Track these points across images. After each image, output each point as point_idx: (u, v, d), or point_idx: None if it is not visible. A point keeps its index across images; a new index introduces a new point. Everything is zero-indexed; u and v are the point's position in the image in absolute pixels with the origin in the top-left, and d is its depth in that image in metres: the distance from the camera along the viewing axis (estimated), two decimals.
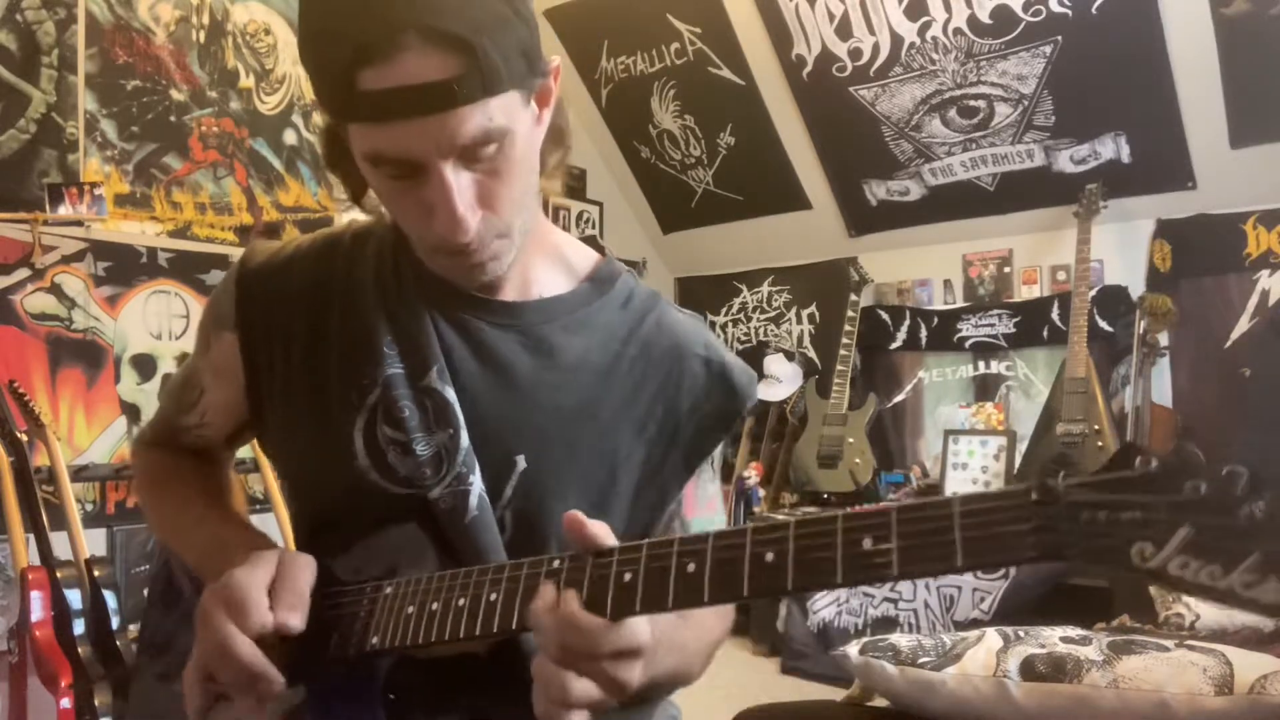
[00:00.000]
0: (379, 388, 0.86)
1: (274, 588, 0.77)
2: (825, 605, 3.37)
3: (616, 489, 0.88)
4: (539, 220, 0.91)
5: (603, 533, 0.70)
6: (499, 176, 0.77)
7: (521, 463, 0.85)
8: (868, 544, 0.59)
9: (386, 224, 0.94)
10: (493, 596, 0.72)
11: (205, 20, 3.24)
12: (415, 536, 0.83)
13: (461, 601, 0.73)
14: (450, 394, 0.85)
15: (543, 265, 0.92)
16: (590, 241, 1.00)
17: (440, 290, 0.88)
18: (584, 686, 0.66)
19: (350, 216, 0.98)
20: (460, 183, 0.74)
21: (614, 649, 0.66)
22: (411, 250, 0.89)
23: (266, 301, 0.91)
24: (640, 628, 0.67)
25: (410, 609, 0.76)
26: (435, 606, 0.75)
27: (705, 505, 0.96)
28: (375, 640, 0.77)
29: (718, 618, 0.92)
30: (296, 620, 0.76)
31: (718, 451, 0.96)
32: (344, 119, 0.75)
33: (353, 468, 0.85)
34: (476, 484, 0.83)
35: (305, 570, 0.79)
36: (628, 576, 0.66)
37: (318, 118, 3.53)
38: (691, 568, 0.64)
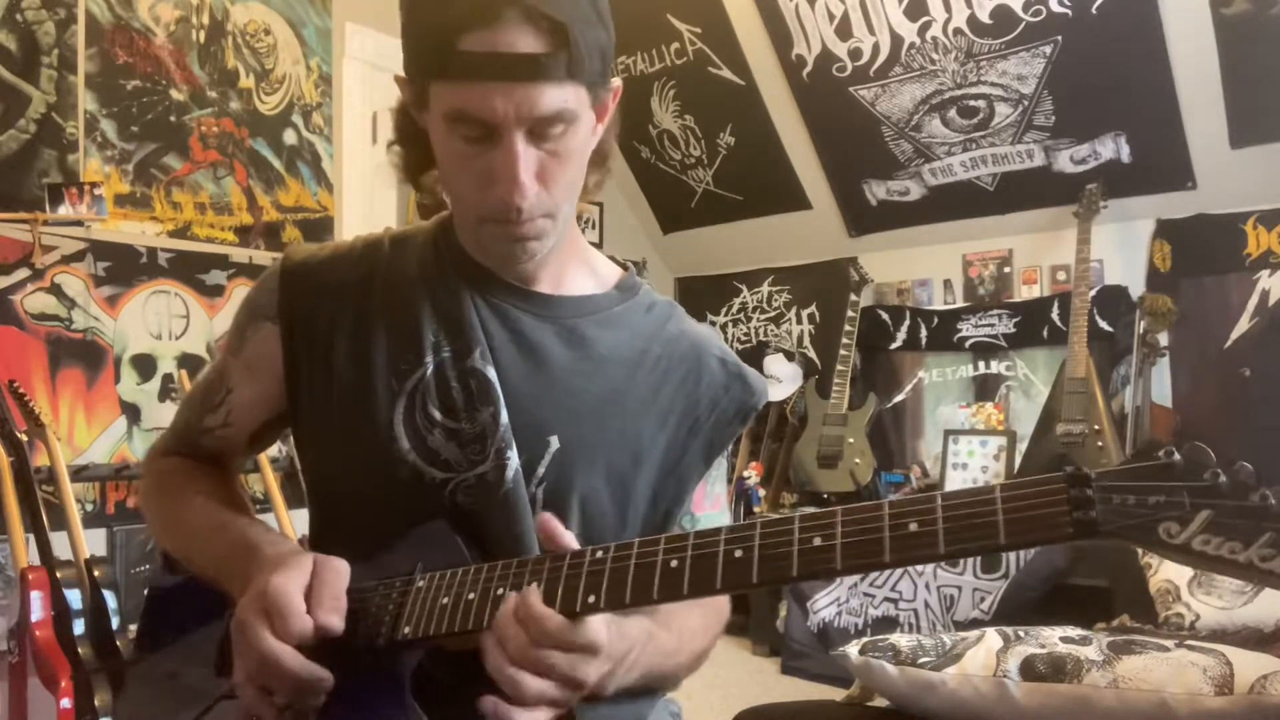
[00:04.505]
0: (423, 370, 0.90)
1: (310, 591, 0.78)
2: (825, 605, 3.37)
3: (639, 476, 0.93)
4: (574, 227, 0.97)
5: (570, 541, 0.76)
6: (559, 159, 0.83)
7: (555, 442, 0.89)
8: (914, 527, 0.63)
9: (426, 228, 0.99)
10: (532, 585, 0.74)
11: (205, 20, 3.24)
12: (442, 527, 0.85)
13: (500, 591, 0.75)
14: (491, 373, 0.89)
15: (574, 269, 0.98)
16: (612, 260, 1.07)
17: (481, 277, 0.93)
18: (540, 685, 0.71)
19: (354, 232, 1.01)
20: (526, 153, 0.81)
21: (570, 644, 0.71)
22: (454, 243, 0.95)
23: (310, 293, 0.95)
24: (597, 626, 0.72)
25: (445, 600, 0.78)
26: (471, 597, 0.76)
27: (712, 502, 1.00)
28: (407, 630, 0.78)
29: (703, 624, 0.94)
30: (336, 620, 0.78)
31: (729, 450, 1.01)
32: (438, 75, 0.81)
33: (392, 451, 0.88)
34: (514, 460, 0.87)
35: (340, 572, 0.81)
36: (674, 564, 0.69)
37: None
38: (739, 554, 0.68)
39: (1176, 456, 0.58)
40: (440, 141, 0.85)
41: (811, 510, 0.68)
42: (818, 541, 0.65)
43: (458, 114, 0.80)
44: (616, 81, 0.89)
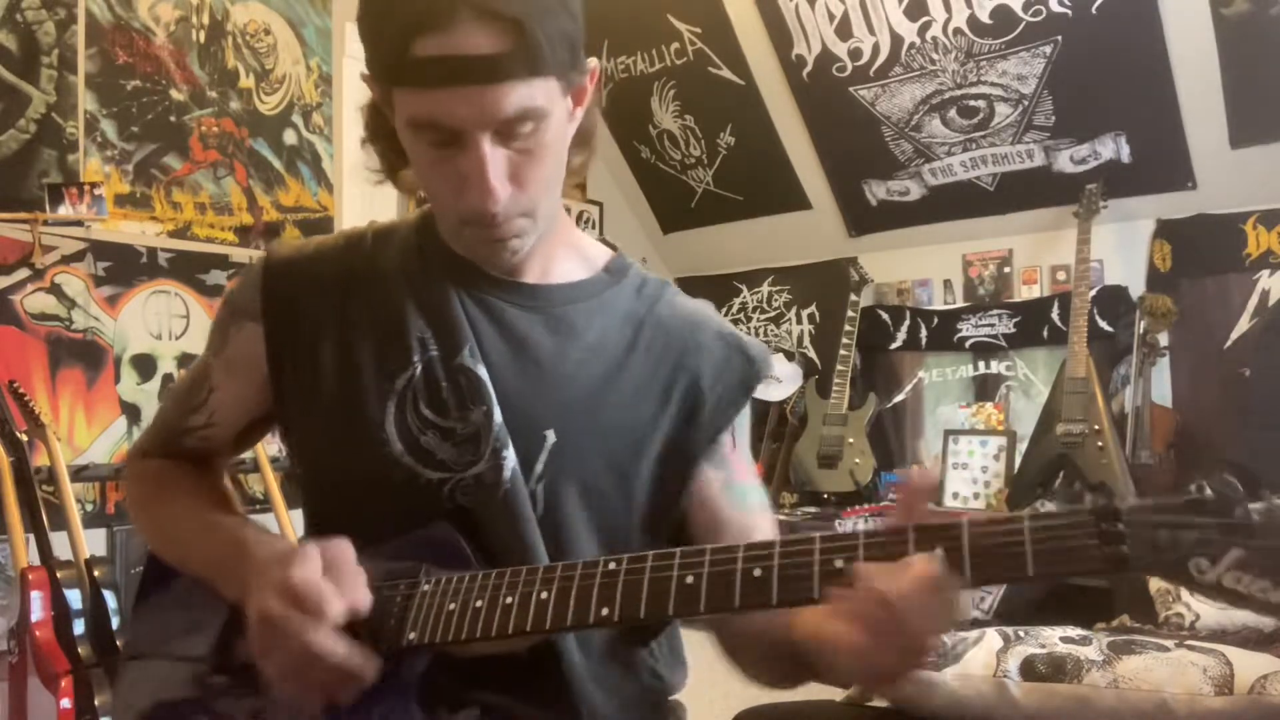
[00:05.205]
0: (412, 370, 0.88)
1: (329, 574, 0.76)
2: None
3: (642, 461, 0.90)
4: (560, 214, 0.94)
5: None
6: (531, 157, 0.81)
7: (551, 437, 0.87)
8: (940, 554, 0.61)
9: (409, 221, 0.97)
10: (544, 595, 0.73)
11: (205, 20, 3.24)
12: (443, 528, 0.83)
13: (509, 599, 0.74)
14: (482, 371, 0.87)
15: (562, 255, 0.96)
16: (603, 242, 1.04)
17: (466, 272, 0.91)
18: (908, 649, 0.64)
19: (351, 223, 0.99)
20: (495, 155, 0.78)
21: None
22: (437, 237, 0.92)
23: (293, 291, 0.93)
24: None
25: (452, 606, 0.76)
26: (480, 604, 0.75)
27: (749, 470, 0.97)
28: (412, 635, 0.77)
29: None
30: (365, 597, 0.77)
31: (742, 421, 0.97)
32: (395, 83, 0.79)
33: (383, 454, 0.86)
34: (510, 458, 0.85)
35: (348, 550, 0.79)
36: (690, 579, 0.68)
37: (304, 115, 3.53)
38: (758, 572, 0.66)
39: (1208, 491, 0.57)
40: (408, 146, 0.82)
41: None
42: (839, 564, 0.64)
43: (419, 121, 0.78)
44: (592, 62, 0.86)
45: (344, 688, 0.75)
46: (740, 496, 0.94)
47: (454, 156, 0.79)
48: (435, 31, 0.73)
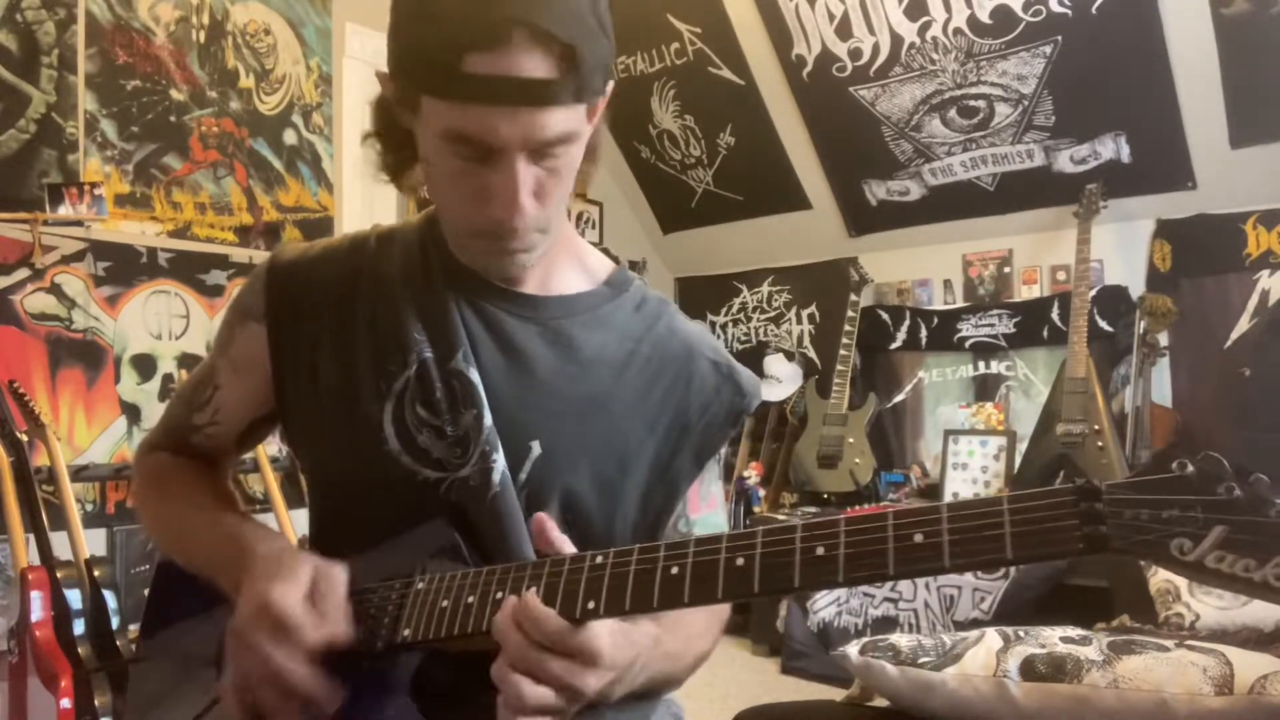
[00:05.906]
0: (409, 372, 0.89)
1: (312, 600, 0.78)
2: (825, 605, 3.37)
3: (627, 482, 0.91)
4: (564, 221, 0.95)
5: (565, 545, 0.74)
6: (557, 175, 0.82)
7: (537, 448, 0.88)
8: (918, 538, 0.61)
9: (412, 225, 0.98)
10: (532, 589, 0.73)
11: (205, 20, 3.24)
12: (440, 526, 0.84)
13: (499, 595, 0.74)
14: (474, 375, 0.88)
15: (564, 266, 0.97)
16: (604, 252, 1.04)
17: (465, 280, 0.92)
18: (539, 691, 0.70)
19: (351, 227, 1.00)
20: (527, 174, 0.80)
21: (569, 649, 0.70)
22: (439, 244, 0.93)
23: (296, 294, 0.95)
24: (598, 633, 0.71)
25: (445, 603, 0.77)
26: (471, 600, 0.76)
27: (707, 503, 0.98)
28: (407, 633, 0.78)
29: (706, 626, 0.94)
30: (342, 631, 0.78)
31: (723, 450, 0.99)
32: (437, 94, 0.78)
33: (382, 453, 0.88)
34: (500, 462, 0.86)
35: (339, 579, 0.80)
36: (674, 571, 0.69)
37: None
38: (741, 562, 0.67)
39: (1190, 468, 0.56)
40: (432, 154, 0.83)
41: (814, 512, 0.67)
42: (820, 551, 0.64)
43: (457, 134, 0.78)
44: (609, 82, 0.87)
45: (298, 712, 0.76)
46: (686, 529, 0.95)
47: (483, 170, 0.80)
48: (488, 49, 0.74)
